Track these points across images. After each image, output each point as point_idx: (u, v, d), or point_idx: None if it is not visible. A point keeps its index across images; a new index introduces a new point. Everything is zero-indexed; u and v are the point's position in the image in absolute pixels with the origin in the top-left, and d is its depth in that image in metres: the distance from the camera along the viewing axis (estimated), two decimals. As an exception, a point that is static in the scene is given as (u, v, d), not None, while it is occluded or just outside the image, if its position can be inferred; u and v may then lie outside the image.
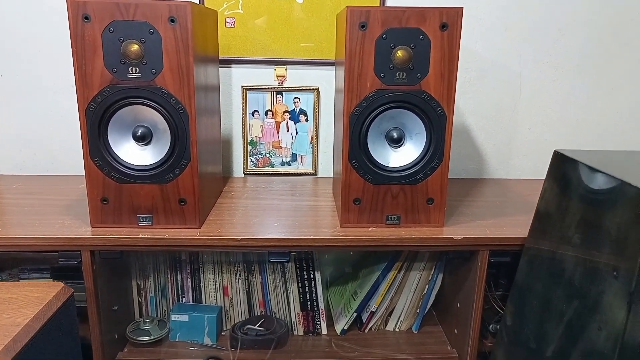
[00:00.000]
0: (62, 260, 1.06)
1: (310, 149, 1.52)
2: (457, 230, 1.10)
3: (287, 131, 1.51)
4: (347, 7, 0.99)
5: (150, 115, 1.04)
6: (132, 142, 1.05)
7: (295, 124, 1.50)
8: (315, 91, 1.47)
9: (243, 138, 1.51)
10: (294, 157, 1.53)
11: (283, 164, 1.53)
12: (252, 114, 1.49)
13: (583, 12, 1.44)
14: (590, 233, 0.73)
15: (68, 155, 1.48)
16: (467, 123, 1.53)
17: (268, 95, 1.48)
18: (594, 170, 0.75)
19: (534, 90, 1.51)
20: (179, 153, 1.05)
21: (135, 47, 0.98)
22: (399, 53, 1.02)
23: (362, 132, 1.06)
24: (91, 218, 1.07)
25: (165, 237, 1.05)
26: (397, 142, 1.07)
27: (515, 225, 1.14)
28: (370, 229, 1.11)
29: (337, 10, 1.41)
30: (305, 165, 1.54)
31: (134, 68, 1.00)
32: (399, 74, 1.03)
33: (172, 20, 0.97)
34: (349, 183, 1.09)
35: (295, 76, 1.47)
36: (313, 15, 1.41)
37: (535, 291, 0.87)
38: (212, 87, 1.23)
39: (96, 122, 1.02)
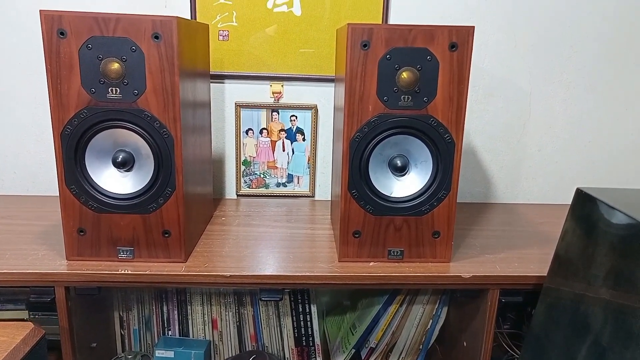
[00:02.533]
0: (33, 297, 0.97)
1: (308, 169, 1.44)
2: (464, 267, 1.02)
3: (283, 151, 1.42)
4: (348, 24, 0.91)
5: (132, 139, 0.95)
6: (112, 169, 0.96)
7: (291, 143, 1.42)
8: (313, 109, 1.39)
9: (236, 158, 1.42)
10: (290, 178, 1.44)
11: (278, 185, 1.45)
12: (246, 132, 1.40)
13: (596, 28, 1.36)
14: (622, 287, 0.64)
15: (49, 175, 1.39)
16: (474, 144, 1.44)
17: (263, 113, 1.39)
18: (626, 216, 0.66)
19: (544, 110, 1.42)
20: (163, 181, 0.96)
21: (115, 65, 0.90)
22: (404, 75, 0.93)
23: (363, 160, 0.98)
24: (67, 250, 0.98)
25: (147, 272, 0.95)
26: (401, 171, 0.99)
27: (527, 261, 1.05)
28: (371, 264, 1.02)
29: (337, 25, 1.33)
30: (302, 187, 1.45)
31: (114, 88, 0.91)
32: (404, 98, 0.95)
33: (156, 37, 0.89)
34: (349, 214, 1.00)
35: (292, 93, 1.39)
36: (312, 29, 1.33)
37: (555, 343, 0.79)
38: (201, 104, 1.14)
39: (72, 146, 0.93)
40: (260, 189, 1.45)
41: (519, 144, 1.45)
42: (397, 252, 1.02)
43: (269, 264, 1.00)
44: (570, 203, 1.49)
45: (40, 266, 0.96)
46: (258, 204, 1.40)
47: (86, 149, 0.94)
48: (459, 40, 0.92)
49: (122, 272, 0.95)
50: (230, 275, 0.96)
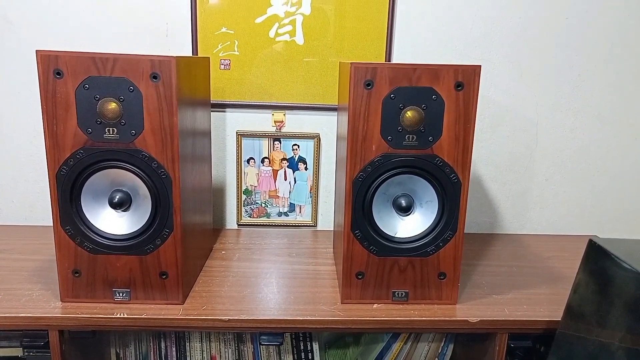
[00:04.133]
0: (26, 341, 0.95)
1: (310, 199, 1.41)
2: (471, 309, 0.98)
3: (285, 180, 1.40)
4: (351, 63, 0.88)
5: (129, 179, 0.93)
6: (109, 209, 0.94)
7: (293, 172, 1.39)
8: (316, 138, 1.36)
9: (237, 187, 1.39)
10: (291, 207, 1.42)
11: (280, 214, 1.42)
12: (248, 161, 1.38)
13: (605, 57, 1.34)
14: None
15: (47, 204, 1.37)
16: (480, 173, 1.41)
17: (265, 142, 1.37)
18: (642, 274, 0.63)
19: (552, 139, 1.39)
20: (161, 221, 0.93)
21: (112, 105, 0.88)
22: (409, 114, 0.91)
23: (366, 200, 0.95)
24: (61, 292, 0.96)
25: (143, 316, 0.92)
26: (405, 211, 0.96)
27: (537, 302, 1.02)
28: (375, 306, 0.99)
29: (340, 54, 1.31)
30: (304, 216, 1.42)
31: (111, 129, 0.89)
32: (409, 137, 0.92)
33: (155, 77, 0.87)
34: (352, 255, 0.97)
35: (295, 122, 1.37)
36: (315, 57, 1.31)
37: (567, 400, 0.75)
38: (201, 133, 1.12)
39: (68, 187, 0.90)
40: (261, 219, 1.42)
41: (526, 174, 1.42)
42: (402, 294, 0.99)
43: (269, 306, 0.97)
44: (578, 234, 1.45)
45: (33, 309, 0.94)
46: (259, 234, 1.37)
47: (82, 189, 0.92)
48: (465, 80, 0.89)
49: (118, 315, 0.92)
50: (229, 320, 0.93)
